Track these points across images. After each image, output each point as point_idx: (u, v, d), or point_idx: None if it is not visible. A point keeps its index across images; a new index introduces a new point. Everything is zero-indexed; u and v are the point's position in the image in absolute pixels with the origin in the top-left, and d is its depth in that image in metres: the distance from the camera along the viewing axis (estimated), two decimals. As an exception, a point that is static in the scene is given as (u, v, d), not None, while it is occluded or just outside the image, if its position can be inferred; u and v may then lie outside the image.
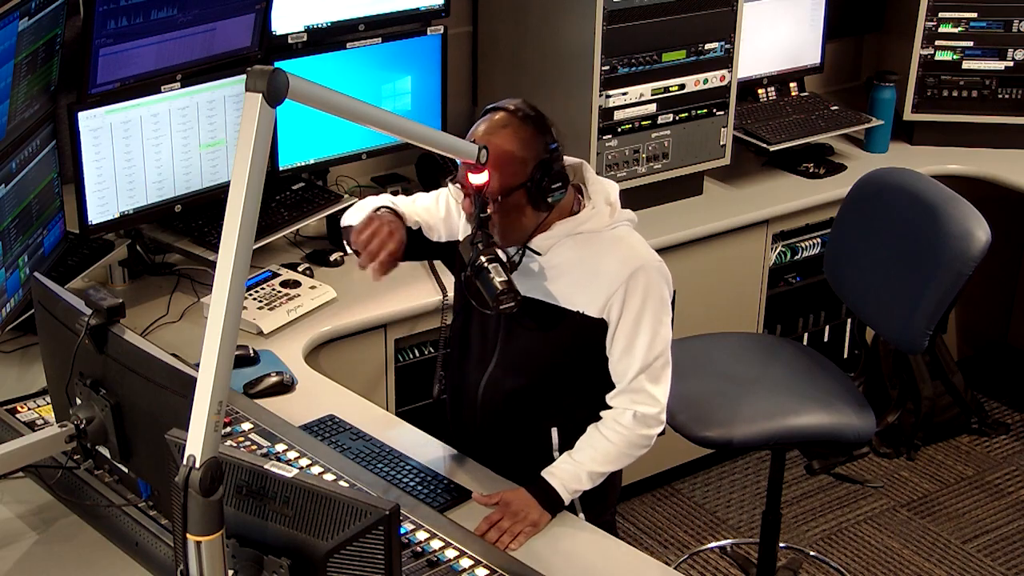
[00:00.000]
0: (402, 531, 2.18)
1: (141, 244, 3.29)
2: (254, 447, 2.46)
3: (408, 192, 3.68)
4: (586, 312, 2.42)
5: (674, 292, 2.53)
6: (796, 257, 4.05)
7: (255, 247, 1.79)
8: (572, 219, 2.45)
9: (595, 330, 2.44)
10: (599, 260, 2.42)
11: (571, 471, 2.42)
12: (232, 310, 1.69)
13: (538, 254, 2.45)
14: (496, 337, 2.52)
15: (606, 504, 2.66)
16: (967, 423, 4.47)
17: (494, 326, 2.51)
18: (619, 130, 3.64)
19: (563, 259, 2.44)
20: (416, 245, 2.57)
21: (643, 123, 3.68)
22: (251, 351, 2.90)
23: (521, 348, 2.50)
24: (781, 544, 3.67)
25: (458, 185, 2.41)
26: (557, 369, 2.48)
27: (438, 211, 2.62)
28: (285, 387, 2.78)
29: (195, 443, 1.65)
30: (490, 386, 2.54)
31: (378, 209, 2.52)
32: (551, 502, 2.39)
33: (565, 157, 2.45)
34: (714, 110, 3.81)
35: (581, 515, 2.54)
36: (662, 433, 2.52)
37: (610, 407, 2.47)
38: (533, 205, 2.39)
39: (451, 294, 3.17)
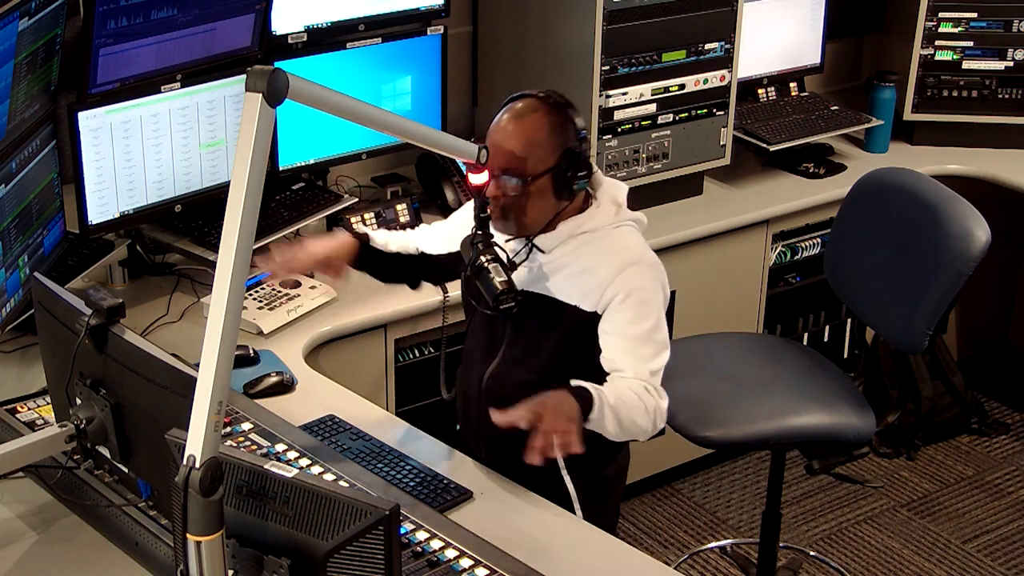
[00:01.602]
0: (402, 531, 2.18)
1: (141, 244, 3.29)
2: (254, 447, 2.46)
3: (408, 192, 3.69)
4: (580, 306, 2.43)
5: (673, 292, 2.53)
6: (796, 257, 4.05)
7: (255, 247, 1.79)
8: (576, 218, 2.47)
9: (589, 325, 2.44)
10: (596, 256, 2.43)
11: (598, 392, 2.31)
12: (232, 310, 1.69)
13: (542, 252, 2.46)
14: (503, 333, 2.53)
15: (607, 505, 2.66)
16: (967, 423, 4.47)
17: (500, 322, 2.52)
18: (619, 130, 3.64)
19: (564, 256, 2.45)
20: (388, 264, 2.65)
21: (643, 123, 3.68)
22: (251, 351, 2.90)
23: (525, 343, 2.51)
24: (781, 544, 3.66)
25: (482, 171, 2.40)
26: (559, 364, 2.48)
27: (444, 224, 2.66)
28: (285, 387, 2.78)
29: (195, 443, 1.65)
30: (494, 380, 2.55)
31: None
32: (583, 401, 2.26)
33: None
34: (714, 110, 3.81)
35: (579, 515, 2.54)
36: (661, 433, 2.52)
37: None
38: (556, 192, 2.41)
39: (451, 294, 3.18)
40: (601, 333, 2.43)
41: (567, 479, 2.56)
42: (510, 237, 2.48)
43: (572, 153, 2.40)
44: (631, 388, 2.37)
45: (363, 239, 2.63)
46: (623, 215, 2.50)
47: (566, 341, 2.47)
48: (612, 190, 2.53)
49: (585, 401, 2.27)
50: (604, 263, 2.42)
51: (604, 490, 2.63)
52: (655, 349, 2.41)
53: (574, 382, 2.33)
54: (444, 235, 2.68)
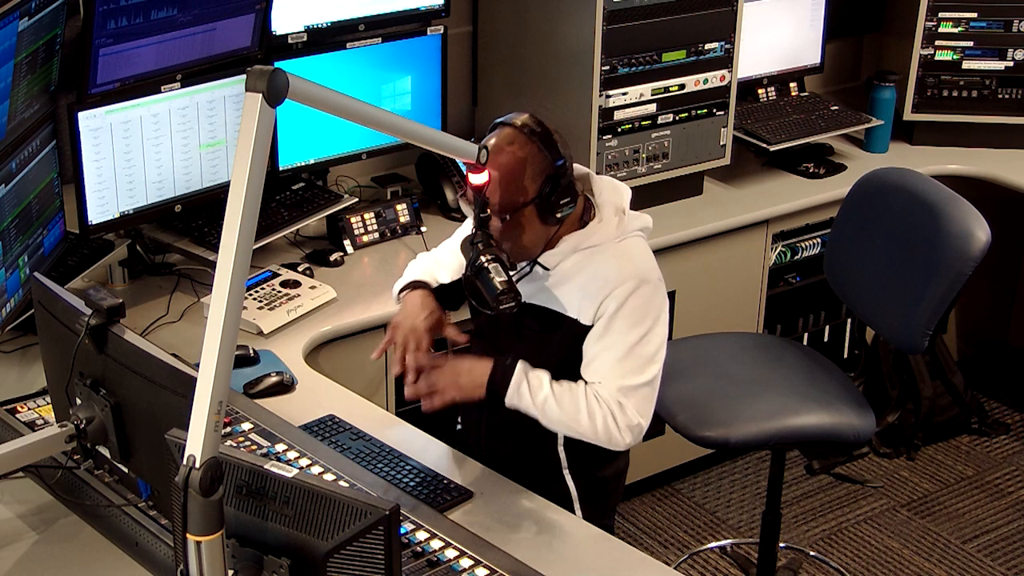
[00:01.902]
0: (402, 531, 2.18)
1: (141, 244, 3.30)
2: (254, 447, 2.46)
3: (408, 192, 3.69)
4: (579, 319, 2.43)
5: (673, 292, 2.52)
6: (796, 257, 4.05)
7: (255, 247, 1.79)
8: (578, 234, 2.45)
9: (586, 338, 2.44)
10: (599, 270, 2.42)
11: (535, 390, 2.37)
12: (232, 310, 1.69)
13: (546, 269, 2.46)
14: (507, 339, 2.53)
15: (605, 507, 2.66)
16: (967, 423, 4.47)
17: (504, 328, 2.52)
18: (619, 130, 3.64)
19: (568, 269, 2.45)
20: (453, 296, 2.64)
21: (643, 123, 3.68)
22: (251, 351, 2.90)
23: (526, 351, 2.50)
24: (781, 544, 3.67)
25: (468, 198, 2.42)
26: (560, 372, 2.48)
27: (459, 251, 2.66)
28: (285, 387, 2.78)
29: (195, 443, 1.65)
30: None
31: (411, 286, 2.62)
32: (503, 376, 2.37)
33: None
34: (714, 110, 3.81)
35: (579, 514, 2.54)
36: (660, 433, 2.51)
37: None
38: (542, 220, 2.41)
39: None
40: (587, 339, 2.43)
41: (568, 479, 2.56)
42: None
43: (552, 180, 2.38)
44: (586, 393, 2.38)
45: (427, 286, 2.62)
46: (627, 226, 2.47)
47: (566, 352, 2.46)
48: (614, 197, 2.50)
49: (504, 380, 2.35)
50: (606, 276, 2.41)
51: (603, 492, 2.63)
52: (636, 364, 2.39)
53: (520, 363, 2.38)
54: (454, 260, 2.67)
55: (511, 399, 2.38)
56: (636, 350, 2.39)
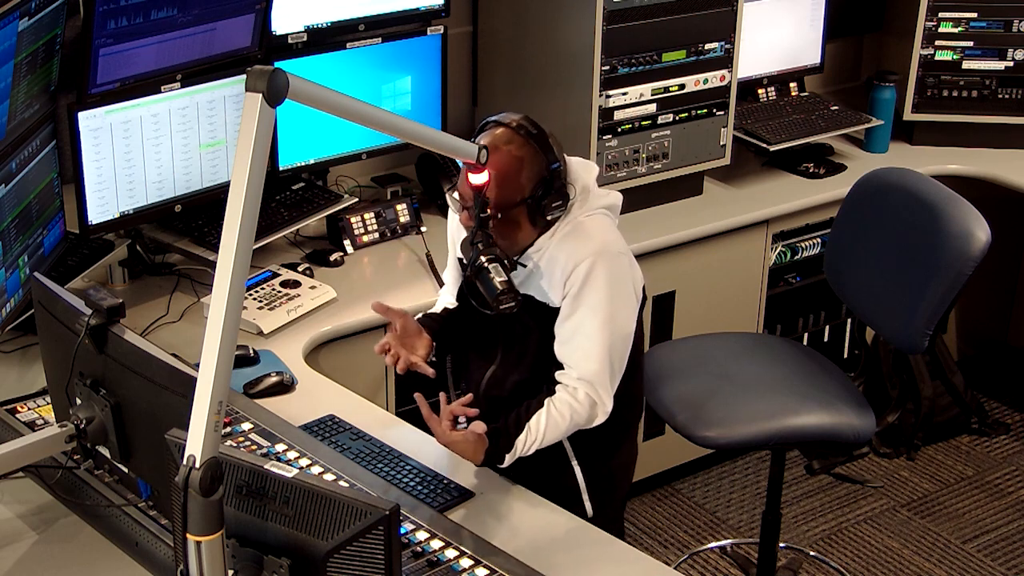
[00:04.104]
0: (402, 531, 2.18)
1: (141, 244, 3.30)
2: (254, 447, 2.46)
3: (408, 192, 3.69)
4: (549, 303, 2.44)
5: (673, 292, 2.52)
6: (796, 257, 4.05)
7: (255, 247, 1.79)
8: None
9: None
10: (560, 249, 2.43)
11: (523, 444, 2.42)
12: (232, 310, 1.70)
13: (523, 265, 2.46)
14: (498, 336, 2.53)
15: (612, 499, 2.67)
16: (967, 423, 4.47)
17: (495, 325, 2.52)
18: (619, 130, 3.64)
19: (534, 253, 2.46)
20: (453, 326, 2.65)
21: (643, 123, 3.68)
22: (251, 351, 2.90)
23: (518, 345, 2.51)
24: (781, 544, 3.67)
25: (457, 195, 2.43)
26: (545, 361, 2.48)
27: (453, 265, 2.68)
28: (285, 387, 2.79)
29: (195, 443, 1.65)
30: (493, 382, 2.55)
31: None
32: (490, 462, 2.42)
33: None
34: (714, 110, 3.81)
35: (588, 505, 2.55)
36: (660, 433, 2.52)
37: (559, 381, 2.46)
38: (531, 221, 2.42)
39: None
40: (558, 318, 2.44)
41: (576, 469, 2.56)
42: None
43: (546, 183, 2.39)
44: (559, 406, 2.41)
45: (430, 323, 2.64)
46: (591, 203, 2.47)
47: (546, 338, 2.47)
48: (582, 174, 2.49)
49: (500, 448, 2.39)
50: (567, 255, 2.41)
51: (611, 483, 2.64)
52: (604, 343, 2.41)
53: (502, 433, 2.40)
54: (455, 267, 2.69)
55: (512, 458, 2.42)
56: (605, 331, 2.40)
